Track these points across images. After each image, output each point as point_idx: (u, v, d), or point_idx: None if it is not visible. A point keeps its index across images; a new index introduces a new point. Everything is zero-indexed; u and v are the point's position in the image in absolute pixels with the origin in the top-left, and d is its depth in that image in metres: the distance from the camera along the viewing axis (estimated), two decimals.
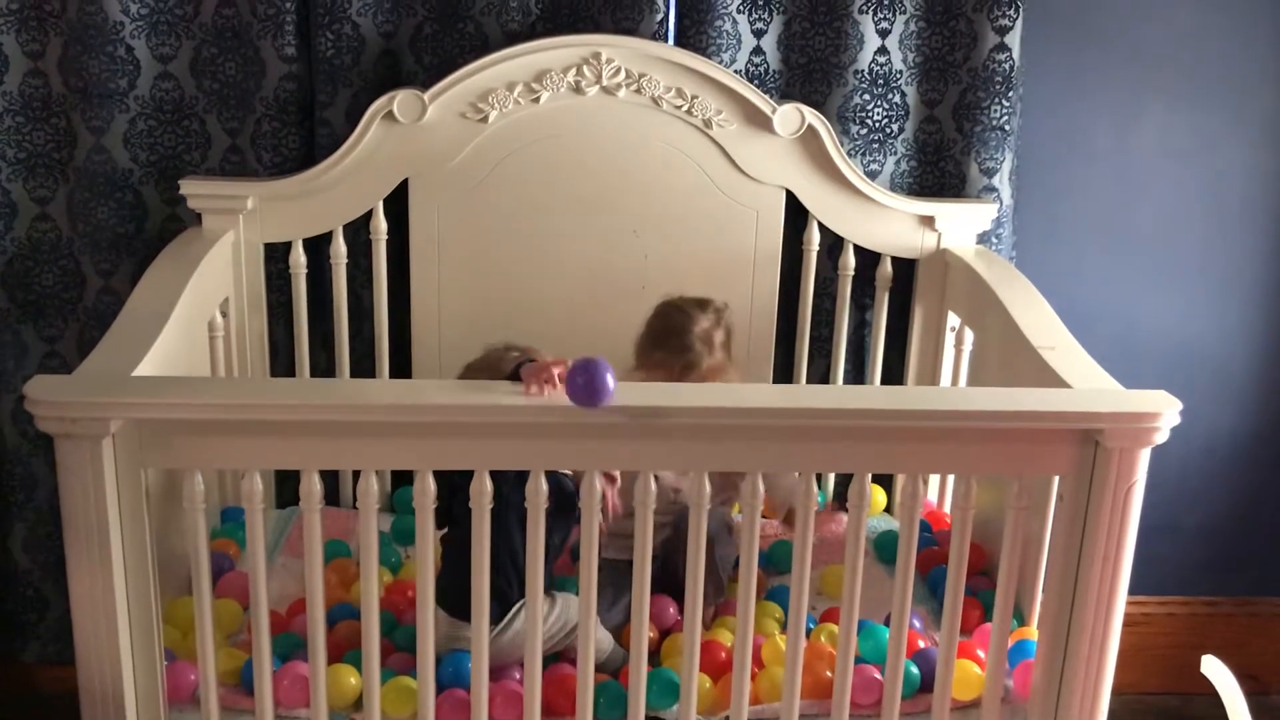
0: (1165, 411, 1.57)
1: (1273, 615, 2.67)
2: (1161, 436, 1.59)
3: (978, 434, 1.61)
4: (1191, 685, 2.29)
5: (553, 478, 1.66)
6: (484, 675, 1.65)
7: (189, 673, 1.72)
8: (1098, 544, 1.62)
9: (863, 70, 2.25)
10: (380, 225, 2.23)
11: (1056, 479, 1.72)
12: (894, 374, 2.38)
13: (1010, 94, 2.24)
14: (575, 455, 1.61)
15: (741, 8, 2.22)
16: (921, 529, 2.21)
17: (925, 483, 2.37)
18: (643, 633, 1.65)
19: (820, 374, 2.37)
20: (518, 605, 1.74)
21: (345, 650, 1.80)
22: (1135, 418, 1.56)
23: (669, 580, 1.86)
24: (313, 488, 1.57)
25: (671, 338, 2.01)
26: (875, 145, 2.29)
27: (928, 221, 2.26)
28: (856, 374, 2.39)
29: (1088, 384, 1.69)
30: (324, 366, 2.32)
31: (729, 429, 1.59)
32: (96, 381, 1.57)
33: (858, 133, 2.28)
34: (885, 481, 2.40)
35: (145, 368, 1.64)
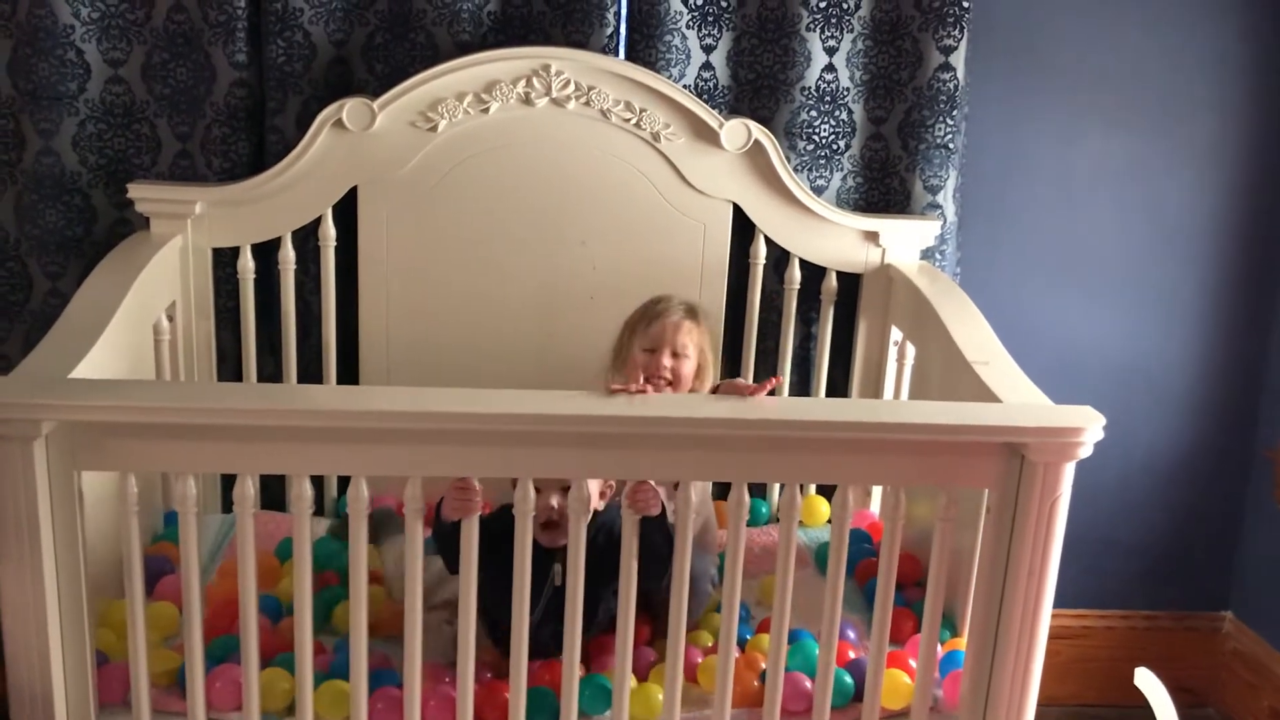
0: (1088, 427, 1.59)
1: (1210, 630, 2.71)
2: (1085, 451, 1.62)
3: (906, 446, 1.63)
4: (1129, 697, 2.32)
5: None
6: (468, 677, 1.66)
7: (123, 674, 1.72)
8: (1023, 556, 1.65)
9: (810, 87, 2.28)
10: (329, 232, 2.24)
11: (986, 492, 1.75)
12: (839, 387, 2.40)
13: (954, 113, 2.27)
14: (511, 463, 1.62)
15: (691, 23, 2.25)
16: (862, 539, 2.24)
17: (868, 494, 2.41)
18: (575, 629, 1.66)
19: None
20: None
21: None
22: (1058, 432, 1.59)
23: (640, 600, 1.75)
24: (247, 491, 1.58)
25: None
26: (822, 161, 2.32)
27: (872, 237, 2.29)
28: (802, 387, 2.41)
29: (1018, 399, 1.72)
30: (271, 372, 2.32)
31: (667, 438, 1.61)
32: (28, 383, 1.58)
33: (805, 148, 2.31)
34: (830, 493, 2.42)
35: (84, 370, 1.65)
